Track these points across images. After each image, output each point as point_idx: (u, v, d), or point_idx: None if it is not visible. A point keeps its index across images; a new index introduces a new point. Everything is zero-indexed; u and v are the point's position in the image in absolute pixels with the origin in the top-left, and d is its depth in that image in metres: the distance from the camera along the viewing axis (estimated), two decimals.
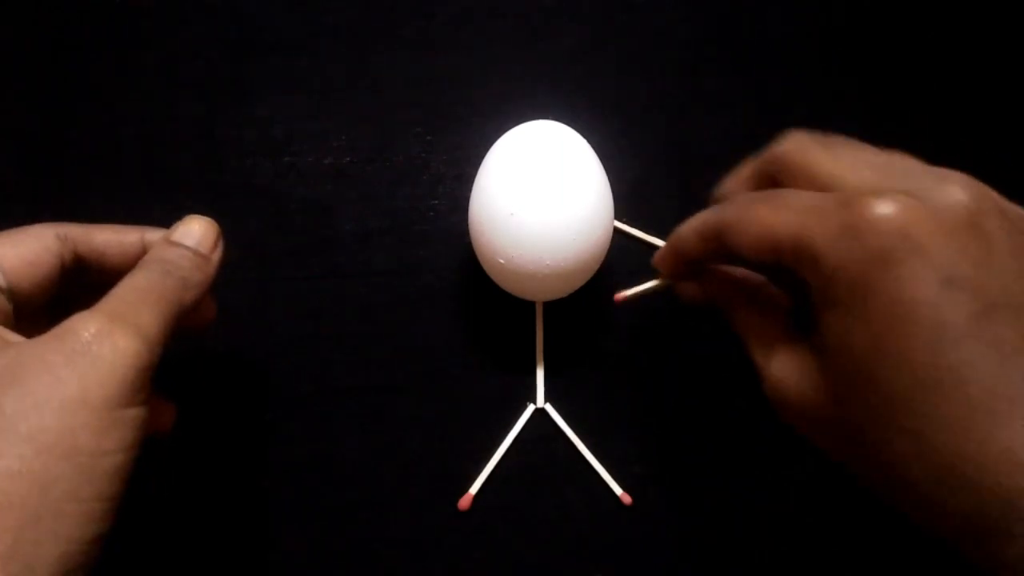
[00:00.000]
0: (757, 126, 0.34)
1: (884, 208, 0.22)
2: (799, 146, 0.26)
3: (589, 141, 0.32)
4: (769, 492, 0.36)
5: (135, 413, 0.23)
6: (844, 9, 0.40)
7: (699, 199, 0.35)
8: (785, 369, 0.26)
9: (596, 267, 0.33)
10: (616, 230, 0.35)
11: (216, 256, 0.28)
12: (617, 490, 0.35)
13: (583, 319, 0.36)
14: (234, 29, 0.38)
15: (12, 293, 0.26)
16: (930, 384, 0.22)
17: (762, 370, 0.27)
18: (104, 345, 0.23)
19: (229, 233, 0.36)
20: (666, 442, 0.36)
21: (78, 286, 0.28)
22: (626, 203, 0.37)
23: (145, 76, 0.37)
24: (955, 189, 0.23)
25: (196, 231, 0.28)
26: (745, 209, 0.26)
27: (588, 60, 0.39)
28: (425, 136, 0.38)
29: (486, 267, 0.33)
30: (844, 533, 0.35)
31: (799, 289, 0.26)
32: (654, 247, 0.36)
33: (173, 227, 0.28)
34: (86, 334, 0.23)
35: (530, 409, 0.35)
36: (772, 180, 0.27)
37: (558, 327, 0.36)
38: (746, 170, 0.29)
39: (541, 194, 0.30)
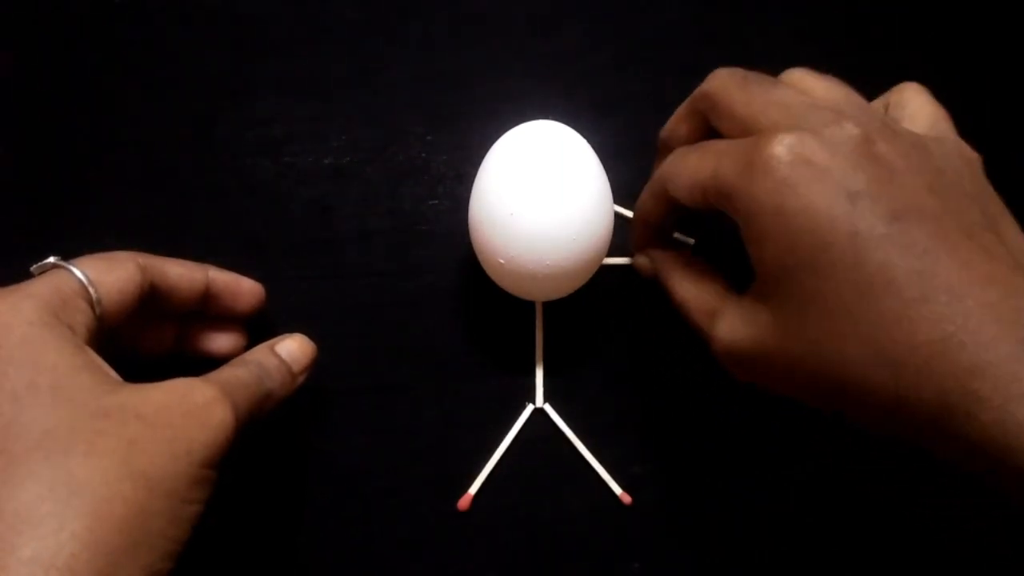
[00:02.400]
0: None
1: (783, 144, 0.25)
2: (721, 85, 0.29)
3: (589, 141, 0.32)
4: (769, 492, 0.36)
5: (214, 475, 0.25)
6: (844, 9, 0.40)
7: None
8: (730, 325, 0.28)
9: (596, 267, 0.33)
10: (617, 215, 0.35)
11: (301, 379, 0.31)
12: (617, 490, 0.35)
13: (583, 319, 0.36)
14: (234, 29, 0.38)
15: (102, 317, 0.27)
16: (860, 286, 0.23)
17: (708, 335, 0.29)
18: (214, 412, 0.25)
19: (229, 233, 0.36)
20: (666, 442, 0.36)
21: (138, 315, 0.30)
22: (626, 203, 0.37)
23: (145, 76, 0.37)
24: (848, 124, 0.25)
25: (296, 350, 0.31)
26: (678, 160, 0.29)
27: (588, 60, 0.39)
28: (425, 136, 0.38)
29: (486, 267, 0.33)
30: (844, 533, 0.35)
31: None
32: None
33: (280, 338, 0.31)
34: (201, 399, 0.25)
35: (529, 409, 0.35)
36: (704, 117, 0.30)
37: (558, 327, 0.36)
38: (682, 109, 0.32)
39: (541, 194, 0.30)
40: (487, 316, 0.36)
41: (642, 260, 0.35)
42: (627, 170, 0.37)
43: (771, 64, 0.39)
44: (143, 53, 0.38)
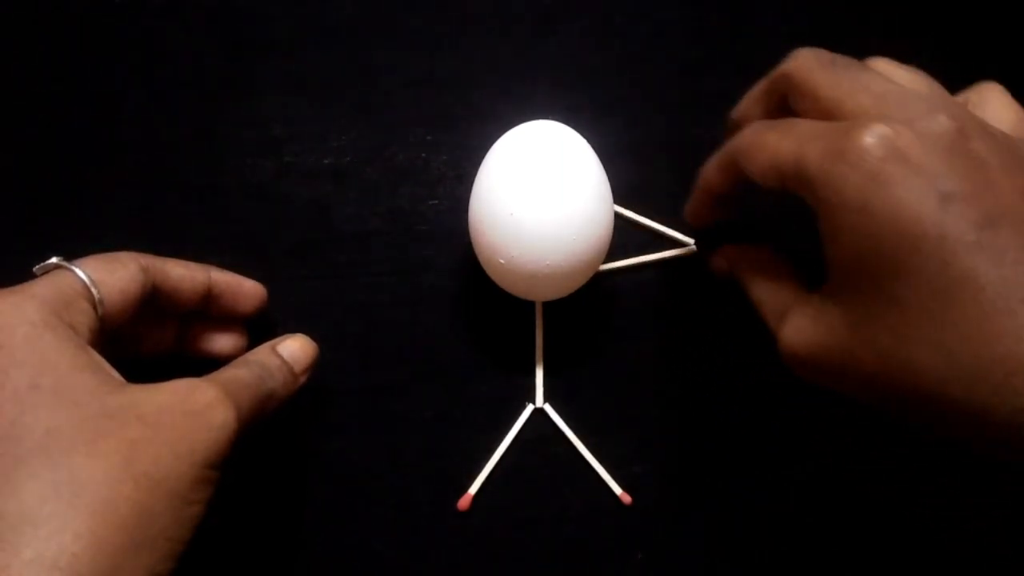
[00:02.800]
0: None
1: (875, 135, 0.23)
2: (805, 65, 0.27)
3: (589, 141, 0.32)
4: (769, 492, 0.36)
5: (216, 476, 0.25)
6: (844, 9, 0.40)
7: None
8: (797, 326, 0.27)
9: (596, 267, 0.33)
10: (617, 215, 0.35)
11: (303, 379, 0.31)
12: (617, 490, 0.35)
13: (583, 319, 0.36)
14: (234, 29, 0.38)
15: (104, 318, 0.27)
16: (944, 293, 0.22)
17: (777, 333, 0.28)
18: (216, 413, 0.25)
19: (229, 233, 0.36)
20: (666, 442, 0.36)
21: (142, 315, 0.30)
22: (626, 202, 0.37)
23: (145, 76, 0.37)
24: (943, 117, 0.24)
25: (297, 351, 0.31)
26: (756, 135, 0.28)
27: (588, 60, 0.39)
28: (425, 136, 0.38)
29: (486, 267, 0.33)
30: (844, 533, 0.35)
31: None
32: (654, 232, 0.37)
33: (282, 338, 0.31)
34: (203, 399, 0.25)
35: (529, 409, 0.35)
36: (782, 97, 0.28)
37: (558, 327, 0.36)
38: (758, 89, 0.30)
39: (541, 194, 0.30)
40: (487, 316, 0.36)
41: (719, 261, 0.34)
42: (627, 170, 0.37)
43: (772, 63, 0.39)
44: (143, 53, 0.38)
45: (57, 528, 0.21)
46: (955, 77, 0.40)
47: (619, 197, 0.34)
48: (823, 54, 0.27)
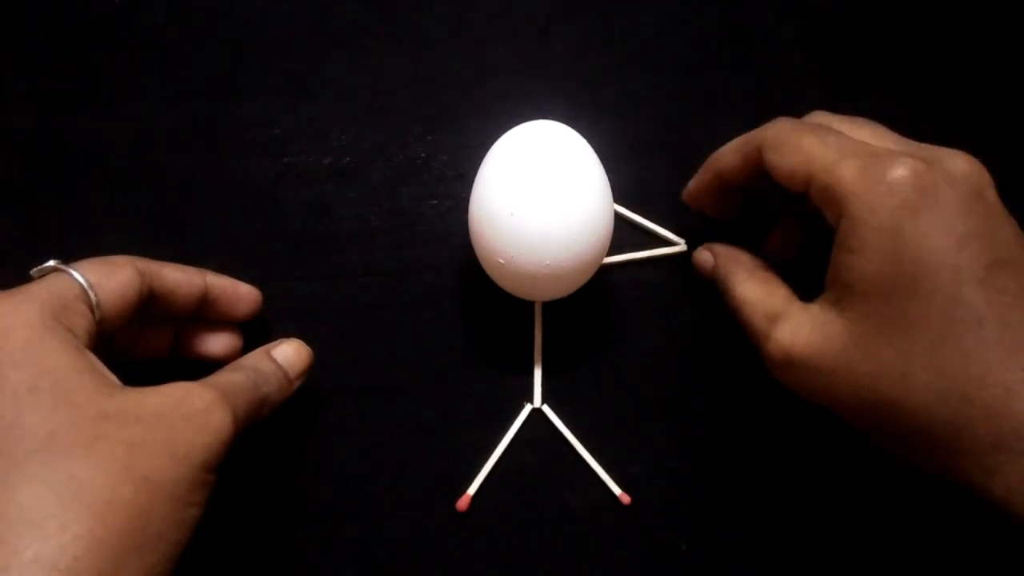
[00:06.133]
0: (757, 126, 0.34)
1: (909, 167, 0.26)
2: (825, 119, 0.30)
3: (589, 141, 0.32)
4: (769, 492, 0.36)
5: (213, 479, 0.25)
6: (844, 8, 0.40)
7: None
8: (794, 329, 0.28)
9: (596, 267, 0.33)
10: (617, 215, 0.35)
11: (297, 383, 0.32)
12: (616, 490, 0.35)
13: (582, 319, 0.36)
14: (234, 29, 0.38)
15: (101, 321, 0.27)
16: (949, 319, 0.24)
17: (765, 336, 0.29)
18: (213, 416, 0.25)
19: (229, 233, 0.36)
20: (664, 442, 0.36)
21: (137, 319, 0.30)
22: (626, 203, 0.37)
23: (145, 76, 0.37)
24: (963, 163, 0.26)
25: (292, 355, 0.31)
26: (791, 132, 0.29)
27: (588, 60, 0.39)
28: (425, 136, 0.38)
29: (486, 267, 0.33)
30: (844, 532, 0.35)
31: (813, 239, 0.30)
32: (648, 231, 0.37)
33: (277, 343, 0.32)
34: (200, 403, 0.25)
35: (527, 409, 0.35)
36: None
37: (557, 327, 0.36)
38: (794, 121, 0.31)
39: (541, 194, 0.30)
40: (486, 316, 0.36)
41: (704, 255, 0.35)
42: (627, 170, 0.37)
43: (772, 63, 0.39)
44: (143, 53, 0.38)
45: (56, 529, 0.22)
46: (970, 85, 0.40)
47: (619, 197, 0.34)
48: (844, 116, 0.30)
